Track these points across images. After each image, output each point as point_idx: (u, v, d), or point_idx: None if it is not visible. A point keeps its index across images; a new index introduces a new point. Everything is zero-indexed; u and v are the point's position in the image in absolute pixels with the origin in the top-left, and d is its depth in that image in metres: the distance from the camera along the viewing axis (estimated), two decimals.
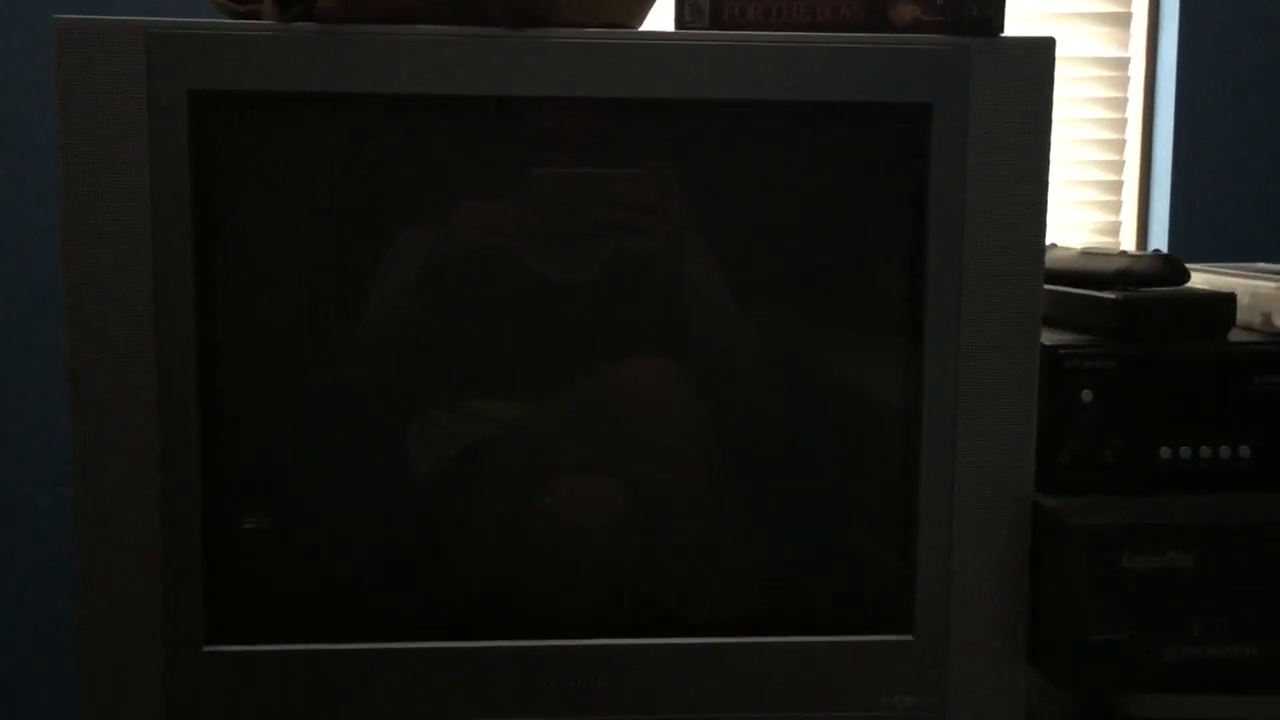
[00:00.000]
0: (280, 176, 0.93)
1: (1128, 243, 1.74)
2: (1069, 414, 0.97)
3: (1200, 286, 1.09)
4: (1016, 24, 1.64)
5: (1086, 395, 0.97)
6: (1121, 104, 1.73)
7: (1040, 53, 0.92)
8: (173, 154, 0.88)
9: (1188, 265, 1.05)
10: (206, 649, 0.92)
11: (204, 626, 0.92)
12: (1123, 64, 1.72)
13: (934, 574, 0.95)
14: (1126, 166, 1.73)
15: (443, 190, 0.94)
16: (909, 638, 0.96)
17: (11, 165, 1.51)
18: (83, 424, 0.90)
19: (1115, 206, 1.74)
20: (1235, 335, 1.03)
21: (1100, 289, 1.03)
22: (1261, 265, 1.28)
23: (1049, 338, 0.98)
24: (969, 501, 0.95)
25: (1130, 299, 1.00)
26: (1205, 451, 0.98)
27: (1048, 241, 0.96)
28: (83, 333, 0.89)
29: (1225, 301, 1.03)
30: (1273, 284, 1.07)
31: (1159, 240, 1.70)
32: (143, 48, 0.87)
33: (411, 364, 0.96)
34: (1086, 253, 1.10)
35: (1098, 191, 1.74)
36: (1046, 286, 0.97)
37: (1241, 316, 1.07)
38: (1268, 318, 1.06)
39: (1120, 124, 1.73)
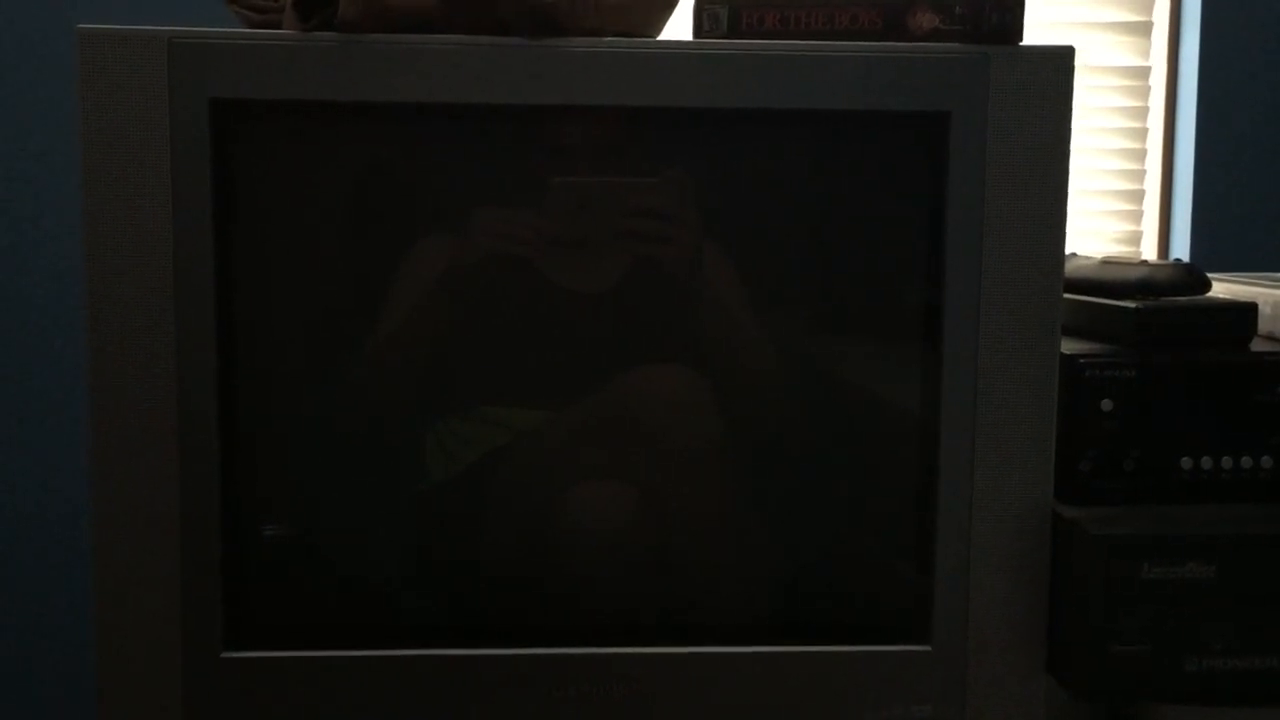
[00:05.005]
0: (301, 185, 0.94)
1: (1149, 252, 1.73)
2: (1089, 423, 0.96)
3: (1221, 296, 1.08)
4: (1036, 33, 1.63)
5: (1107, 404, 0.96)
6: (1143, 113, 1.72)
7: (1060, 61, 0.92)
8: (194, 162, 0.89)
9: (1209, 274, 1.05)
10: (224, 654, 0.93)
11: (222, 632, 0.92)
12: (1144, 73, 1.71)
13: (952, 584, 0.95)
14: (1148, 175, 1.73)
15: (461, 199, 0.95)
16: (927, 648, 0.96)
17: (35, 173, 1.52)
18: (103, 430, 0.90)
19: (1136, 216, 1.73)
20: (1256, 345, 1.03)
21: (1121, 298, 1.03)
22: None
23: (1069, 347, 0.98)
24: (988, 511, 0.94)
25: (1151, 308, 1.00)
26: (1226, 461, 0.98)
27: (1068, 250, 0.96)
28: (104, 339, 0.90)
29: (1246, 311, 1.02)
30: None
31: (1180, 249, 1.69)
32: (165, 57, 0.88)
33: (430, 372, 0.96)
34: (1107, 262, 1.09)
35: (1119, 200, 1.73)
36: (1067, 296, 0.96)
37: (1263, 326, 1.07)
38: None
39: (1141, 133, 1.72)
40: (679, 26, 1.10)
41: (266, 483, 0.95)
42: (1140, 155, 1.72)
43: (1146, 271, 1.04)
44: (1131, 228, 1.74)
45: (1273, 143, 1.65)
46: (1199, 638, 0.91)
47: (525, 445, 0.97)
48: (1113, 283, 1.05)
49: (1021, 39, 0.93)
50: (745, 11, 0.93)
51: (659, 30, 0.98)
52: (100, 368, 0.90)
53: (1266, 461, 0.98)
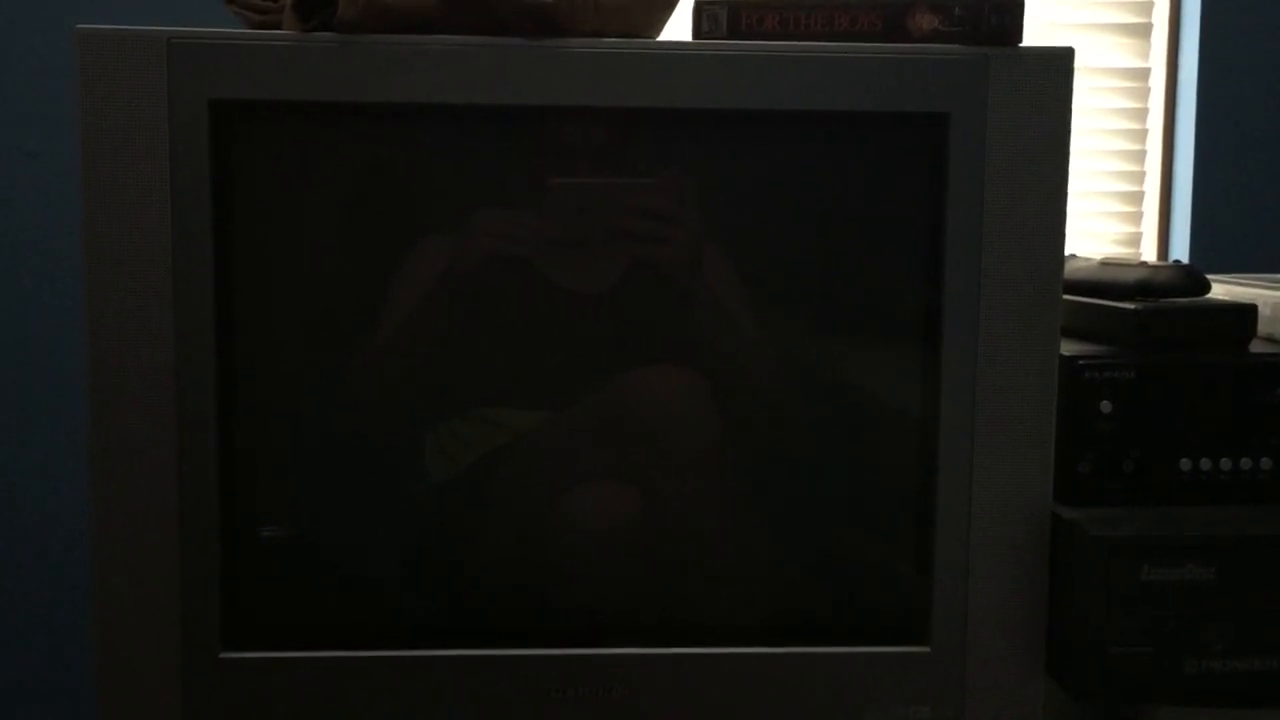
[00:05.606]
0: (300, 186, 0.94)
1: (1148, 253, 1.73)
2: (1088, 425, 0.96)
3: (1220, 297, 1.08)
4: (1036, 34, 1.63)
5: (1106, 406, 0.96)
6: (1142, 114, 1.72)
7: (1059, 62, 0.92)
8: (193, 163, 0.89)
9: (1208, 276, 1.05)
10: (223, 655, 0.93)
11: (221, 632, 0.92)
12: (1143, 74, 1.71)
13: (951, 585, 0.95)
14: (1147, 177, 1.73)
15: (461, 200, 0.95)
16: (926, 649, 0.96)
17: (34, 172, 1.52)
18: (103, 430, 0.90)
19: (1136, 217, 1.73)
20: (1256, 346, 1.03)
21: (1120, 300, 1.03)
22: None
23: (1068, 348, 0.98)
24: (987, 512, 0.94)
25: (1150, 310, 1.00)
26: (1225, 463, 0.98)
27: (1067, 252, 0.96)
28: (104, 339, 0.90)
29: (1246, 312, 1.02)
30: None
31: (1179, 251, 1.69)
32: (164, 57, 0.88)
33: (429, 373, 0.96)
34: (1106, 263, 1.09)
35: (1118, 202, 1.73)
36: (1066, 297, 0.96)
37: (1262, 328, 1.07)
38: None
39: (1141, 135, 1.72)
40: (679, 27, 1.10)
41: (266, 483, 0.95)
42: (1139, 157, 1.72)
43: (1146, 273, 1.04)
44: (1131, 229, 1.74)
45: (1272, 144, 1.65)
46: (1199, 639, 0.91)
47: (525, 446, 0.97)
48: (1112, 284, 1.05)
49: (1021, 40, 0.93)
50: (745, 12, 0.93)
51: (659, 31, 0.98)
52: (100, 368, 0.90)
53: (1266, 463, 0.98)
